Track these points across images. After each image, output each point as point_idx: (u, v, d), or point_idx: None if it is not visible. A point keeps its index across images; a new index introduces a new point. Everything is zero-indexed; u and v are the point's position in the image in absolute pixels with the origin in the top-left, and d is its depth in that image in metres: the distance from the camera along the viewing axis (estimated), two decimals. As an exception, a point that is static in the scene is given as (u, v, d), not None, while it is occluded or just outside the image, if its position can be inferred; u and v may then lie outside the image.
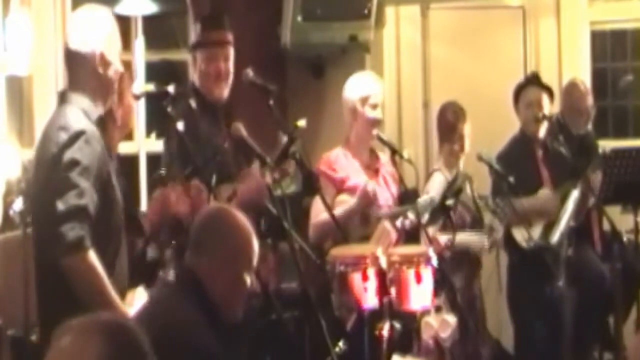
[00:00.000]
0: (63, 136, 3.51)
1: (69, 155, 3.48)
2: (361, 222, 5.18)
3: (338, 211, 4.98)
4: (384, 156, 5.48)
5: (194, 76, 5.04)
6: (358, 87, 5.35)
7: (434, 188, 5.42)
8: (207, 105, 4.91)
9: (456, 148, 5.80)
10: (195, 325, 3.24)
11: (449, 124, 5.83)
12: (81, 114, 3.60)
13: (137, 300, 3.73)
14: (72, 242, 3.40)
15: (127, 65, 4.21)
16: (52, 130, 3.58)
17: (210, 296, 3.33)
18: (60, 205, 3.43)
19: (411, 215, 5.06)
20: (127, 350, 2.06)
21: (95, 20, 3.72)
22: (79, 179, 3.45)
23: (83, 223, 3.42)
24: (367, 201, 5.09)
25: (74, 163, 3.47)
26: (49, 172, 3.53)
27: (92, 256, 3.42)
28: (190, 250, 3.42)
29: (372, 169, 5.38)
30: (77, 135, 3.50)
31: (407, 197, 5.19)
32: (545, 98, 6.20)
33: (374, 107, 5.32)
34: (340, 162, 5.29)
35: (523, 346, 6.16)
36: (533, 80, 6.32)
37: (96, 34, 3.68)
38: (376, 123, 5.34)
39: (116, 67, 3.72)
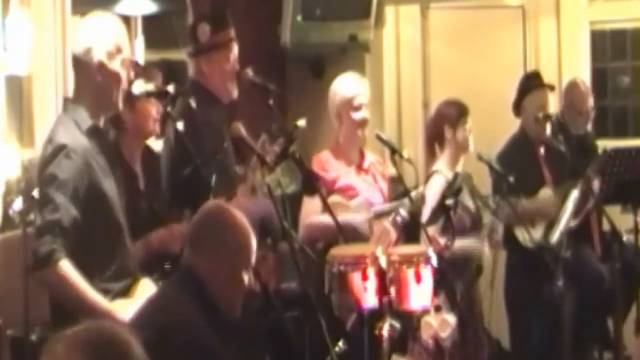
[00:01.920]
0: (49, 150, 3.65)
1: (49, 170, 3.60)
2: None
3: (342, 219, 4.96)
4: (373, 155, 5.49)
5: (199, 77, 4.99)
6: (341, 90, 5.34)
7: (432, 191, 5.39)
8: (213, 105, 4.89)
9: (468, 129, 5.66)
10: (194, 324, 3.24)
11: (455, 112, 5.72)
12: (72, 125, 3.68)
13: (139, 292, 3.74)
14: (42, 257, 3.51)
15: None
16: (45, 143, 3.72)
17: (209, 294, 3.33)
18: (38, 221, 3.59)
19: (403, 212, 5.06)
20: None
21: (100, 28, 3.74)
22: (55, 194, 3.56)
23: (55, 237, 3.51)
24: (385, 242, 5.08)
25: (53, 178, 3.58)
26: (38, 187, 3.69)
27: (65, 267, 3.51)
28: (189, 248, 3.42)
29: (362, 168, 5.39)
30: (59, 150, 3.61)
31: (406, 197, 5.18)
32: (551, 97, 6.21)
33: (359, 108, 5.31)
34: (332, 163, 5.30)
35: (521, 346, 6.16)
36: (540, 82, 6.28)
37: (97, 42, 3.69)
38: (362, 124, 5.33)
39: (120, 75, 3.72)
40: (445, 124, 5.65)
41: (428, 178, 5.61)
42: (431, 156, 5.75)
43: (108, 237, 3.68)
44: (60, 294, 3.55)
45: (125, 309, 3.55)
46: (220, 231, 3.40)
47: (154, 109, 4.48)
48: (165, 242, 4.34)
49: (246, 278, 3.39)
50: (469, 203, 5.61)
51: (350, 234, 4.99)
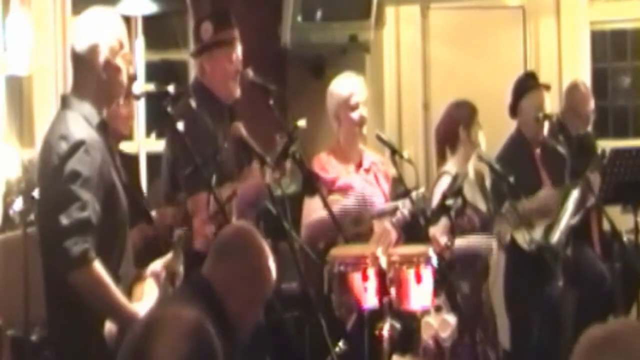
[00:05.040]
0: (64, 146, 3.53)
1: (69, 166, 3.49)
2: (353, 220, 5.19)
3: (335, 209, 4.99)
4: (375, 155, 5.49)
5: (201, 77, 4.99)
6: (336, 91, 5.36)
7: (441, 191, 5.39)
8: (214, 105, 4.89)
9: (479, 127, 5.67)
10: (203, 325, 3.23)
11: (467, 112, 5.72)
12: (82, 120, 3.60)
13: (147, 293, 3.74)
14: (77, 257, 3.44)
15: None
16: (53, 138, 3.59)
17: (222, 304, 3.31)
18: (64, 220, 3.45)
19: (404, 211, 5.07)
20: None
21: (103, 24, 3.69)
22: (81, 191, 3.47)
23: (86, 236, 3.45)
24: (385, 242, 5.10)
25: (75, 175, 3.49)
26: (51, 183, 3.56)
27: (97, 267, 3.46)
28: (210, 259, 3.40)
29: (362, 167, 5.40)
30: (78, 146, 3.51)
31: (403, 197, 5.19)
32: (546, 97, 6.20)
33: (355, 107, 5.32)
34: (331, 163, 5.31)
35: (521, 346, 6.16)
36: (536, 83, 6.27)
37: (103, 40, 3.64)
38: (361, 122, 5.34)
39: (122, 69, 3.70)
40: (460, 125, 5.66)
41: (437, 178, 5.63)
42: (441, 158, 5.75)
43: (118, 235, 3.65)
44: (92, 294, 3.47)
45: (144, 311, 3.54)
46: (249, 249, 3.38)
47: (125, 111, 4.43)
48: (158, 227, 4.33)
49: (259, 310, 3.40)
50: (480, 204, 5.62)
51: (349, 219, 5.01)
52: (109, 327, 3.54)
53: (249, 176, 4.59)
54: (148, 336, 2.46)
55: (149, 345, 2.45)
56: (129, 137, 4.63)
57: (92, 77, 3.65)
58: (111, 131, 4.31)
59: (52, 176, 3.55)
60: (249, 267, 3.36)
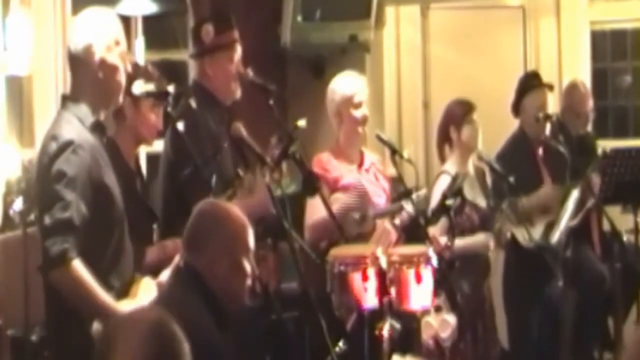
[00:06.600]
0: (53, 146, 3.56)
1: (56, 166, 3.53)
2: (358, 220, 5.19)
3: (334, 209, 4.99)
4: (374, 155, 5.50)
5: (201, 78, 4.98)
6: (339, 89, 5.34)
7: (439, 191, 5.39)
8: (214, 106, 4.89)
9: (474, 127, 5.67)
10: (201, 322, 3.24)
11: (459, 111, 5.72)
12: (75, 121, 3.63)
13: (142, 292, 3.74)
14: (55, 256, 3.46)
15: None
16: (46, 138, 3.64)
17: (212, 290, 3.35)
18: (47, 219, 3.50)
19: (409, 208, 5.07)
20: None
21: (98, 23, 3.70)
22: (65, 191, 3.50)
23: (67, 235, 3.47)
24: (385, 242, 5.10)
25: (61, 175, 3.52)
26: (40, 183, 3.62)
27: (77, 266, 3.47)
28: (186, 248, 3.44)
29: (362, 167, 5.40)
30: (66, 146, 3.54)
31: (405, 196, 5.19)
32: (549, 96, 6.21)
33: (359, 105, 5.32)
34: (332, 162, 5.31)
35: (520, 346, 6.16)
36: (539, 82, 6.27)
37: (97, 39, 3.65)
38: (363, 121, 5.34)
39: (119, 67, 3.70)
40: (452, 124, 5.66)
41: (436, 178, 5.63)
42: (442, 157, 5.76)
43: (112, 235, 3.66)
44: (72, 294, 3.49)
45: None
46: (213, 225, 3.42)
47: (154, 117, 4.40)
48: (179, 247, 4.31)
49: (247, 264, 3.40)
50: (481, 200, 5.62)
51: (352, 219, 5.01)
52: (97, 326, 3.54)
53: (254, 190, 4.53)
54: (107, 342, 2.48)
55: (107, 351, 2.45)
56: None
57: (88, 77, 3.67)
58: (132, 133, 4.34)
59: (42, 176, 3.60)
60: (221, 242, 3.39)
